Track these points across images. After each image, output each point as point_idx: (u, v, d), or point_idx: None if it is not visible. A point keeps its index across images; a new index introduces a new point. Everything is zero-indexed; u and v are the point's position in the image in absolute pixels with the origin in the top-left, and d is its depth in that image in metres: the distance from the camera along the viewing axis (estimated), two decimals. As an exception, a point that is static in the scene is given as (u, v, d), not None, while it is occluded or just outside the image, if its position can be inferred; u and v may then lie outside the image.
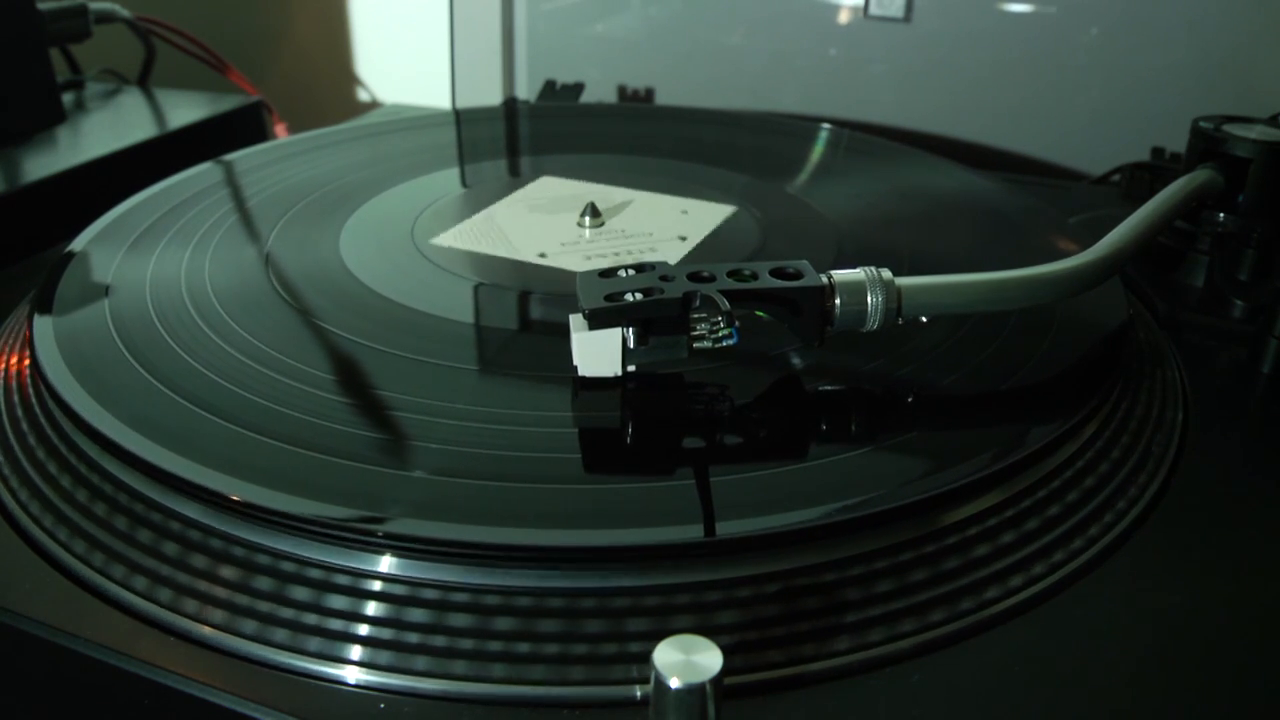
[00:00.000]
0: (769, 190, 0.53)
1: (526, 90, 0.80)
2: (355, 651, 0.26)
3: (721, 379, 0.35)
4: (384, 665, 0.26)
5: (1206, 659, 0.27)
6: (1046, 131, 0.68)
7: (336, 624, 0.26)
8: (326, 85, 0.95)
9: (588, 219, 0.47)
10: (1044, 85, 0.67)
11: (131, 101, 0.69)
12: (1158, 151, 0.63)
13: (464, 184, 0.54)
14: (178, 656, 0.26)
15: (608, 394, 0.33)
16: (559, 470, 0.30)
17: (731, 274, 0.33)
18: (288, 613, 0.27)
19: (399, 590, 0.27)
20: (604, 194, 0.51)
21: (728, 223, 0.48)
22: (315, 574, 0.27)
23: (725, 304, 0.31)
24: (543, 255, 0.44)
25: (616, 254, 0.44)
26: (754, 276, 0.33)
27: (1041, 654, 0.27)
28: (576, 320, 0.32)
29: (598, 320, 0.32)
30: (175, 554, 0.28)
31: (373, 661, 0.26)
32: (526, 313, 0.40)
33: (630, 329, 0.32)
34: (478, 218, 0.48)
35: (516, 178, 0.55)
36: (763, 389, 0.35)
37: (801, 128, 0.62)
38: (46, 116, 0.61)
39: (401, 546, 0.27)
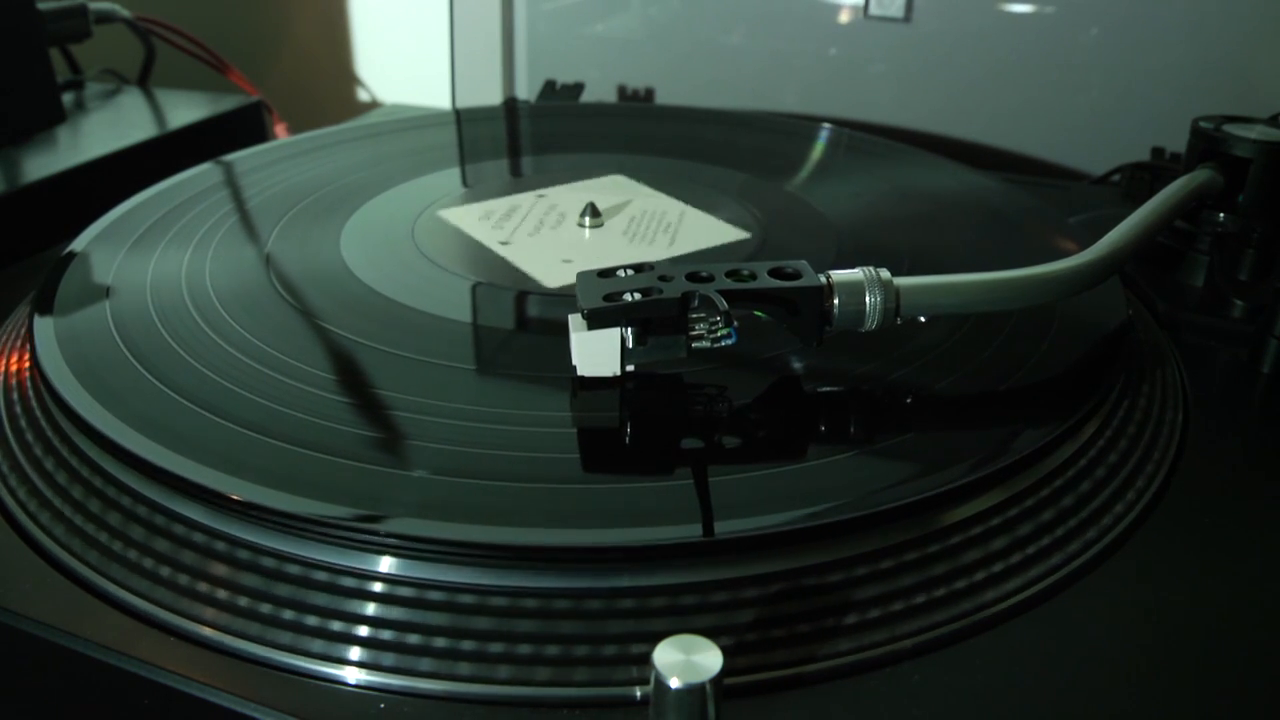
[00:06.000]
0: (769, 190, 0.53)
1: (526, 90, 0.80)
2: (355, 652, 0.26)
3: (720, 379, 0.35)
4: (384, 666, 0.26)
5: (1207, 659, 0.27)
6: (1046, 131, 0.68)
7: (337, 624, 0.26)
8: (326, 85, 0.95)
9: (588, 219, 0.47)
10: (1044, 85, 0.67)
11: (131, 101, 0.69)
12: (1158, 151, 0.63)
13: (464, 184, 0.54)
14: (178, 656, 0.26)
15: (607, 394, 0.33)
16: (558, 470, 0.30)
17: (730, 274, 0.33)
18: (288, 613, 0.27)
19: (399, 590, 0.27)
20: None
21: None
22: (316, 574, 0.27)
23: (724, 304, 0.31)
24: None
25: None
26: (752, 276, 0.33)
27: (1042, 654, 0.27)
28: (575, 320, 0.33)
29: (596, 320, 0.32)
30: (175, 554, 0.28)
31: (373, 662, 0.26)
32: (526, 313, 0.40)
33: (629, 329, 0.32)
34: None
35: (517, 177, 0.55)
36: (762, 389, 0.35)
37: (801, 128, 0.62)
38: (46, 116, 0.61)
39: (401, 546, 0.27)
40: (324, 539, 0.27)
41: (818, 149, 0.59)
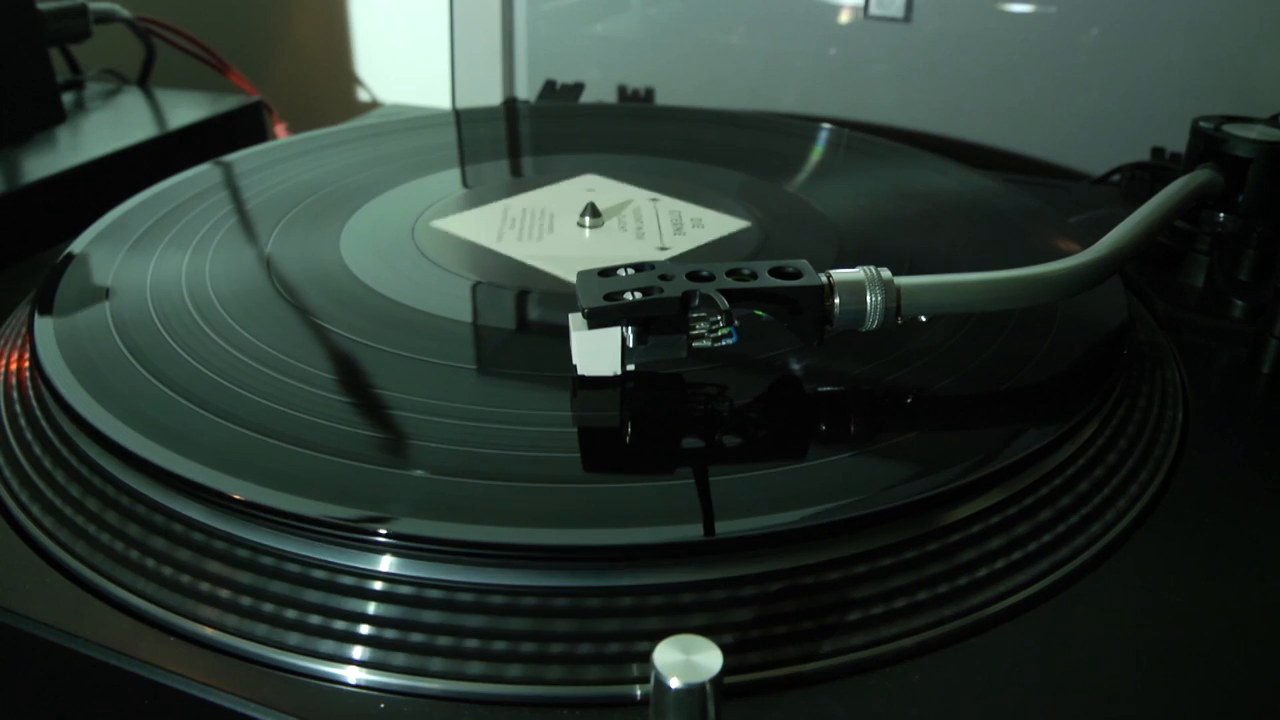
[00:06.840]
0: (769, 190, 0.53)
1: (526, 90, 0.80)
2: (356, 651, 0.26)
3: (721, 378, 0.35)
4: (384, 665, 0.26)
5: (1207, 659, 0.27)
6: (1046, 131, 0.68)
7: (336, 624, 0.26)
8: (326, 85, 0.95)
9: (588, 219, 0.47)
10: (1044, 85, 0.67)
11: (131, 101, 0.69)
12: (1158, 151, 0.63)
13: (465, 184, 0.54)
14: (178, 656, 0.26)
15: (607, 393, 0.33)
16: (559, 470, 0.30)
17: (731, 273, 0.33)
18: (288, 612, 0.27)
19: (399, 590, 0.27)
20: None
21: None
22: (316, 574, 0.27)
23: (724, 303, 0.31)
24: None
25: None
26: (753, 276, 0.33)
27: (1042, 654, 0.27)
28: (576, 319, 0.32)
29: (597, 319, 0.32)
30: (176, 554, 0.28)
31: (373, 661, 0.26)
32: (526, 312, 0.40)
33: (629, 328, 0.32)
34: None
35: (518, 178, 0.55)
36: (762, 389, 0.35)
37: (801, 128, 0.62)
38: (46, 116, 0.61)
39: (402, 546, 0.27)
40: (324, 538, 0.27)
41: (818, 149, 0.59)
